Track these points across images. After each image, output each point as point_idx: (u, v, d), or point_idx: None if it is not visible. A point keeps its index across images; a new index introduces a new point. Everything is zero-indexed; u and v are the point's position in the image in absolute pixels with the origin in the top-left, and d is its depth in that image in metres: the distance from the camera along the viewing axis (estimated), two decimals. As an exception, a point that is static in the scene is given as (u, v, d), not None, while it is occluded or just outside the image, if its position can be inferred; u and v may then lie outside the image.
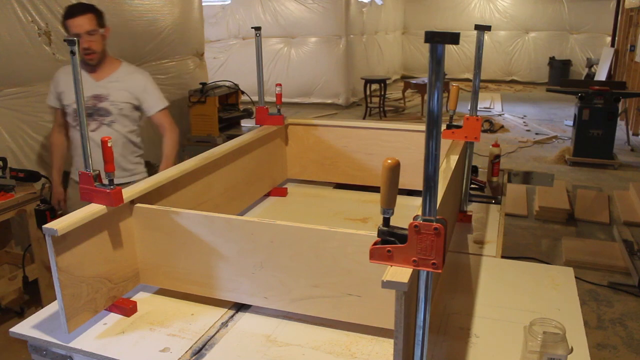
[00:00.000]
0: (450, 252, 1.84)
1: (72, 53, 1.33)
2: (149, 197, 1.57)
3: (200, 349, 1.31)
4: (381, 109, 8.54)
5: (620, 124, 6.80)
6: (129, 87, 2.56)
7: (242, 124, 4.75)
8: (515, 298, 1.55)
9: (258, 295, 1.43)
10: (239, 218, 1.43)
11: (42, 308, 1.48)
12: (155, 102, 2.62)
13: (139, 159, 2.72)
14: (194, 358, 1.28)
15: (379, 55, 11.10)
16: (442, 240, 0.93)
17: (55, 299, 1.34)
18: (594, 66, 10.56)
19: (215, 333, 1.38)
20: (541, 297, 1.55)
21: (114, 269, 1.46)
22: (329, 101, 9.41)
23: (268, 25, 9.34)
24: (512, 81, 12.35)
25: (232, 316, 1.46)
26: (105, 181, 1.41)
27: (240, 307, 1.50)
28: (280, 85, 2.37)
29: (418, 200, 0.94)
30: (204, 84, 4.43)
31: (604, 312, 3.02)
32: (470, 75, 9.96)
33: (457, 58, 12.18)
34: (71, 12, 2.38)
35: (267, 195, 2.39)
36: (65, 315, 1.31)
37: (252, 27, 2.39)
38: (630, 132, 7.02)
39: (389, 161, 0.94)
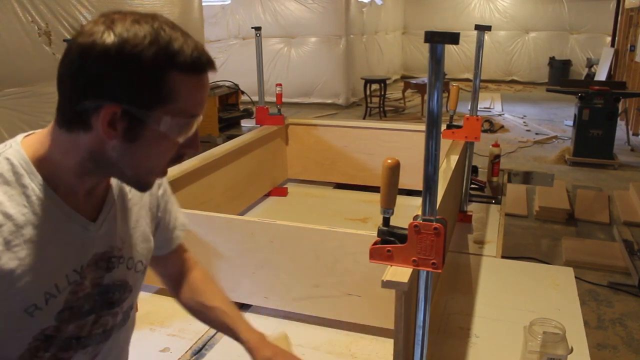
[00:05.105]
0: (450, 252, 1.84)
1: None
2: (149, 197, 1.57)
3: (200, 349, 1.31)
4: (381, 109, 8.54)
5: (620, 124, 6.80)
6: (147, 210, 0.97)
7: (242, 124, 4.75)
8: (515, 298, 1.55)
9: (258, 295, 1.43)
10: (240, 218, 1.43)
11: (42, 308, 1.47)
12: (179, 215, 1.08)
13: None
14: (194, 358, 1.28)
15: (379, 55, 11.10)
16: (442, 240, 0.93)
17: (56, 299, 1.33)
18: (594, 66, 10.55)
19: (215, 333, 1.38)
20: (541, 297, 1.55)
21: (114, 269, 1.46)
22: (329, 101, 9.41)
23: (268, 25, 9.33)
24: (512, 81, 12.34)
25: (232, 316, 1.46)
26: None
27: (240, 307, 1.50)
28: (280, 85, 2.37)
29: (418, 200, 0.94)
30: (204, 84, 4.43)
31: (604, 312, 3.02)
32: (470, 75, 9.96)
33: (457, 58, 12.16)
34: (199, 62, 0.79)
35: (268, 195, 2.39)
36: (65, 315, 1.31)
37: (252, 27, 2.39)
38: (630, 132, 7.02)
39: (389, 161, 0.94)
